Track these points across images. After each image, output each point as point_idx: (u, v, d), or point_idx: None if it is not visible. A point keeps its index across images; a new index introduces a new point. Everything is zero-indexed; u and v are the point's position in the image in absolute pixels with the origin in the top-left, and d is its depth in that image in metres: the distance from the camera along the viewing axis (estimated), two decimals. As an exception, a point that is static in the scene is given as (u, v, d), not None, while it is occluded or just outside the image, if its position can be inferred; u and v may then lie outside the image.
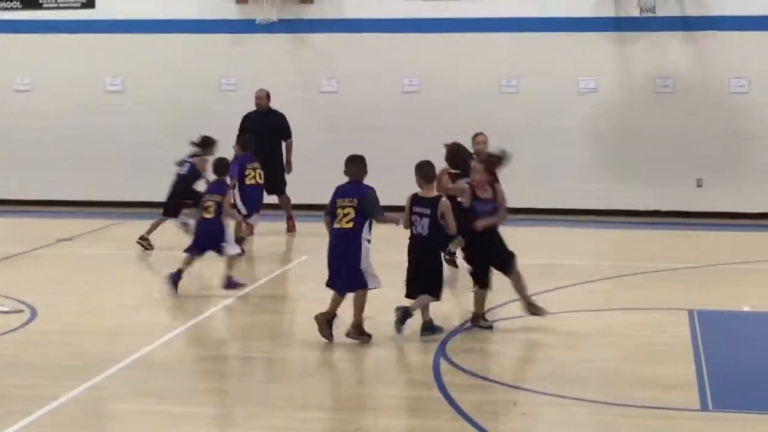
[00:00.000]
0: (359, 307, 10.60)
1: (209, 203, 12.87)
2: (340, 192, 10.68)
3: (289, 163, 17.53)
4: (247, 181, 15.60)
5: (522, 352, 10.89)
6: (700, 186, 18.79)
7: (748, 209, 18.28)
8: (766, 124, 18.02)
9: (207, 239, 12.78)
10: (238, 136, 16.71)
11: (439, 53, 19.53)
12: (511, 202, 18.24)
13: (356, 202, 10.53)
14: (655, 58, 19.19)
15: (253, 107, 17.74)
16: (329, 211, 10.67)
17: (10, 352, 10.33)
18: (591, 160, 19.05)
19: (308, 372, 9.78)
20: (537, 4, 19.25)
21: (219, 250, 12.77)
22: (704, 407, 8.86)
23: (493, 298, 11.83)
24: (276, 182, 17.25)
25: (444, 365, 9.91)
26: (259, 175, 15.70)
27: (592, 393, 9.16)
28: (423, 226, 10.69)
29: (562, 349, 10.72)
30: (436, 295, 10.83)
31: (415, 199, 10.84)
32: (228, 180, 13.59)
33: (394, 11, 19.60)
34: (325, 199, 10.78)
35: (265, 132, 17.13)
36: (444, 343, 10.64)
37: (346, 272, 10.55)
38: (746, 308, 12.65)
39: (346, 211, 10.52)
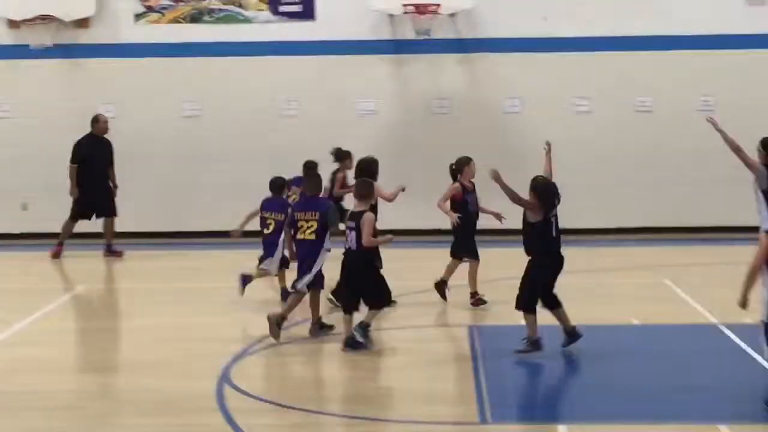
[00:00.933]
0: (316, 305, 11.81)
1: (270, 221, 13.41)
2: (300, 206, 11.80)
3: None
4: None
5: (308, 374, 10.95)
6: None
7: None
8: (537, 143, 18.50)
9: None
10: None
11: (217, 77, 19.45)
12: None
13: (319, 215, 11.55)
14: (432, 80, 19.59)
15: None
16: (290, 223, 11.80)
17: None
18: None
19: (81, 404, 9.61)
20: (314, 27, 19.39)
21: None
22: (483, 420, 9.09)
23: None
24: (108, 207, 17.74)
25: (228, 390, 9.88)
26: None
27: (374, 411, 9.28)
28: (351, 239, 11.29)
29: (344, 369, 10.83)
30: (377, 306, 11.35)
31: (349, 215, 11.60)
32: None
33: (171, 36, 19.44)
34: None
35: (102, 156, 17.59)
36: (228, 367, 10.61)
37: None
38: (522, 322, 13.03)
39: (309, 224, 11.57)
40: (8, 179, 19.49)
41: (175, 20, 19.52)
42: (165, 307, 13.74)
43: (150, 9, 19.49)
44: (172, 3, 19.49)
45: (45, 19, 18.96)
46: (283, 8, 19.43)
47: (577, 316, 11.29)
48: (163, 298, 14.29)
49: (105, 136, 17.85)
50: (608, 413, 9.26)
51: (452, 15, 19.01)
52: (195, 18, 19.52)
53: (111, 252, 17.59)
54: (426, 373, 10.57)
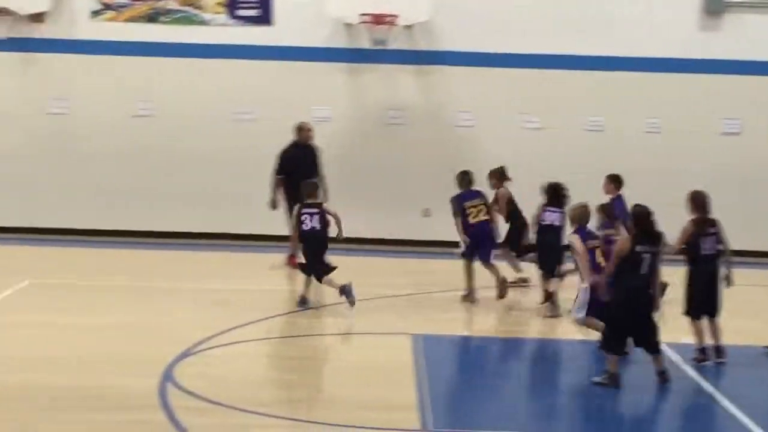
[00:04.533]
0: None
1: None
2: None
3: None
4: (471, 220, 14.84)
5: (253, 376, 10.95)
6: (428, 216, 19.33)
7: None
8: (488, 156, 18.62)
9: None
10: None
11: (173, 78, 19.39)
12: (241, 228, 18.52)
13: None
14: (387, 90, 19.63)
15: None
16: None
17: None
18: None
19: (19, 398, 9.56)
20: (272, 32, 19.38)
21: None
22: (425, 427, 9.14)
23: (223, 322, 11.86)
24: None
25: (171, 389, 9.86)
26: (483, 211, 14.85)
27: (321, 415, 9.32)
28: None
29: (290, 372, 10.85)
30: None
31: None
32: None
33: (126, 34, 19.36)
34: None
35: (307, 165, 16.72)
36: (171, 366, 10.60)
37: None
38: (465, 333, 13.13)
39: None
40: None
41: (132, 19, 19.43)
42: (116, 304, 13.67)
43: (107, 6, 19.37)
44: (129, 2, 19.40)
45: (0, 12, 18.79)
46: (240, 12, 19.40)
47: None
48: (115, 295, 14.21)
49: (309, 143, 17.17)
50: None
51: (409, 26, 19.07)
52: (152, 18, 19.43)
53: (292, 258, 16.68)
54: (366, 379, 10.60)
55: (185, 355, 11.15)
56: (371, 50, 19.04)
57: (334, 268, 13.86)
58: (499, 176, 15.57)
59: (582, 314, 11.52)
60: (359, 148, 19.47)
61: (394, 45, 19.00)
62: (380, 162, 19.39)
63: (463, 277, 14.51)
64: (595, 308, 11.24)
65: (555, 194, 14.13)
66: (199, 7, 19.40)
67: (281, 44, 19.33)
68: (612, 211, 13.12)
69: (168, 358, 10.86)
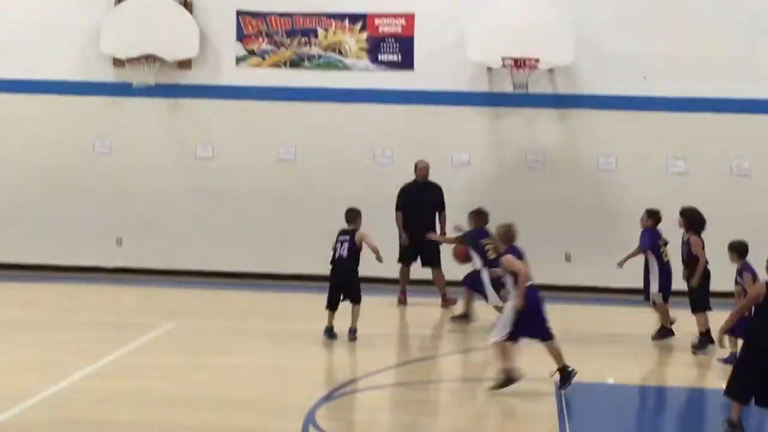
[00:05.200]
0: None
1: None
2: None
3: (443, 235, 17.20)
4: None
5: (395, 421, 10.94)
6: (569, 260, 19.16)
7: (614, 284, 18.65)
8: (631, 201, 18.44)
9: None
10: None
11: (314, 122, 19.66)
12: (382, 272, 18.60)
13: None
14: (527, 134, 19.57)
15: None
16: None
17: None
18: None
19: None
20: (413, 77, 19.52)
21: None
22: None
23: (364, 365, 11.87)
24: (432, 255, 17.28)
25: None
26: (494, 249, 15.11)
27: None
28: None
29: (433, 417, 10.80)
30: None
31: None
32: None
33: (270, 80, 19.70)
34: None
35: (424, 203, 17.35)
36: (313, 410, 10.65)
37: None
38: (611, 380, 12.92)
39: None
40: (105, 215, 19.84)
41: (276, 65, 19.78)
42: (257, 346, 13.82)
43: (251, 53, 19.78)
44: (273, 48, 19.75)
45: (149, 58, 19.31)
46: (382, 57, 19.60)
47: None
48: (256, 337, 14.37)
49: (432, 181, 17.69)
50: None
51: (550, 70, 19.03)
52: (295, 63, 19.76)
53: (445, 300, 17.28)
54: (509, 427, 10.50)
55: (327, 398, 11.20)
56: (512, 94, 19.02)
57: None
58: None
59: (500, 337, 11.58)
60: (498, 192, 19.41)
61: (535, 89, 18.96)
62: (519, 206, 19.24)
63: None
64: (523, 331, 11.57)
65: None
66: (341, 53, 19.66)
67: (422, 88, 19.44)
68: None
69: (310, 402, 10.91)
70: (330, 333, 14.11)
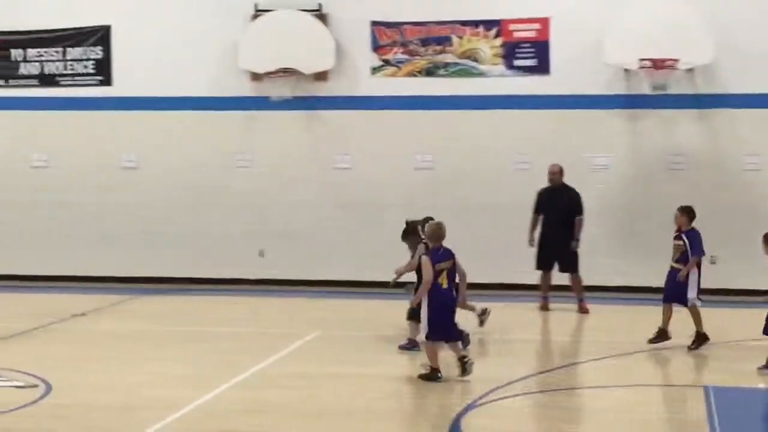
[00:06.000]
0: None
1: None
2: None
3: (577, 240, 17.31)
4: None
5: (540, 429, 10.85)
6: (714, 263, 18.76)
7: (762, 286, 18.20)
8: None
9: None
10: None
11: (450, 130, 19.65)
12: (522, 278, 18.51)
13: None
14: (666, 135, 19.26)
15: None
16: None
17: (24, 427, 10.34)
18: (602, 236, 19.02)
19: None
20: (549, 81, 19.38)
21: None
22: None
23: (507, 373, 11.82)
24: (570, 260, 17.34)
25: (458, 441, 9.90)
26: None
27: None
28: None
29: (576, 425, 10.68)
30: None
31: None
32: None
33: (406, 89, 19.77)
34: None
35: (560, 208, 17.37)
36: (458, 418, 10.63)
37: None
38: (761, 385, 12.60)
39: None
40: (247, 226, 20.15)
41: (411, 74, 19.83)
42: (400, 355, 13.85)
43: (387, 63, 19.88)
44: (408, 57, 19.82)
45: (286, 72, 19.55)
46: (517, 62, 19.51)
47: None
48: (395, 346, 14.41)
49: (568, 185, 17.59)
50: None
51: (690, 70, 18.69)
52: (430, 72, 19.79)
53: (582, 307, 17.35)
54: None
55: (471, 407, 11.16)
56: (651, 96, 18.74)
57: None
58: None
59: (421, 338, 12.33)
60: (640, 194, 19.17)
61: (674, 90, 18.64)
62: (661, 208, 18.92)
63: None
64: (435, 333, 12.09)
65: None
66: (476, 60, 19.61)
67: (559, 93, 19.28)
68: None
69: (454, 411, 10.89)
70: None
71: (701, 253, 14.23)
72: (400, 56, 19.86)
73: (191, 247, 20.25)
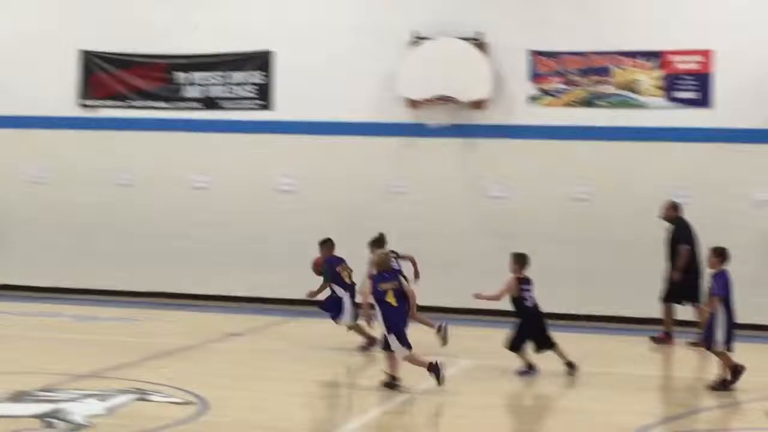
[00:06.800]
0: None
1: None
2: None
3: (677, 269, 17.23)
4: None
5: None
6: None
7: None
8: None
9: None
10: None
11: (609, 161, 19.47)
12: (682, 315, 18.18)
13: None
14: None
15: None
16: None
17: (183, 444, 10.56)
18: (765, 276, 18.56)
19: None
20: (710, 114, 19.07)
21: None
22: None
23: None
24: (692, 291, 17.22)
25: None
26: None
27: None
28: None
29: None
30: None
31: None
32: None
33: (563, 119, 19.67)
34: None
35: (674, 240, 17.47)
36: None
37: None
38: None
39: None
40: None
41: (569, 104, 19.73)
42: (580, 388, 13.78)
43: (545, 92, 19.82)
44: (566, 87, 19.73)
45: (443, 100, 19.65)
46: (678, 94, 19.24)
47: None
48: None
49: (685, 218, 17.56)
50: None
51: None
52: (589, 102, 19.66)
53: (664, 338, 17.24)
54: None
55: None
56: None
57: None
58: None
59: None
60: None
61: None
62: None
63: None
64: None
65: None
66: (636, 91, 19.42)
67: (720, 126, 18.95)
68: None
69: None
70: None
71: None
72: (559, 86, 19.77)
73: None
